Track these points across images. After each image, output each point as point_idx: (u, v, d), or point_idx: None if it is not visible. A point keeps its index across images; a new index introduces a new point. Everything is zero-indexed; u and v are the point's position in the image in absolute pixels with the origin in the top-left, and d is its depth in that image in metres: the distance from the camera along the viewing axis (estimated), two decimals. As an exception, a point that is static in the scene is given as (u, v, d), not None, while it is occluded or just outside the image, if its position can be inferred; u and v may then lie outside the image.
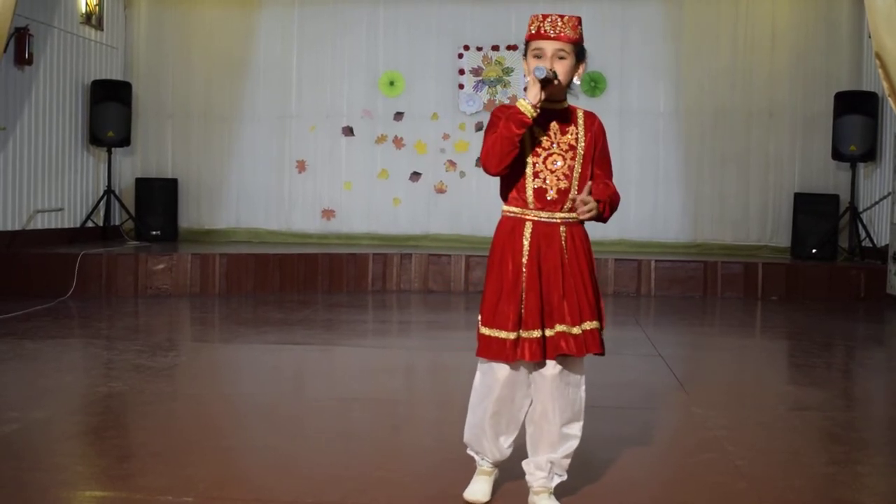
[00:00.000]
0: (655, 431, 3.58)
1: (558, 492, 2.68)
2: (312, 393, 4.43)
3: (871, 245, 8.39)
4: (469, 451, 2.78)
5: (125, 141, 9.06)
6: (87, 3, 8.94)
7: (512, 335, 2.54)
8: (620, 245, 9.19)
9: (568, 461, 2.66)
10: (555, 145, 2.59)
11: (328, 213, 9.68)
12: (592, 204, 2.54)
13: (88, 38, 9.05)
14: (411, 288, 8.19)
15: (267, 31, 9.72)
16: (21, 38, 7.78)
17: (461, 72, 9.50)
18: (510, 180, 2.61)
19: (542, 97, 2.48)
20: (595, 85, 9.33)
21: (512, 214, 2.63)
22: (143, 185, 9.37)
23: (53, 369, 4.62)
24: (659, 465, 3.20)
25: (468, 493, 2.70)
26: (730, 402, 4.12)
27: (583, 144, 2.61)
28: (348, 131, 9.69)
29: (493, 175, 2.59)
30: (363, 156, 9.65)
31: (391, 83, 9.62)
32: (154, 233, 9.10)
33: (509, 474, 2.81)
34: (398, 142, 9.60)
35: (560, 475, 2.67)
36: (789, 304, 7.68)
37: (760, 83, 9.21)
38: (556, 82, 2.50)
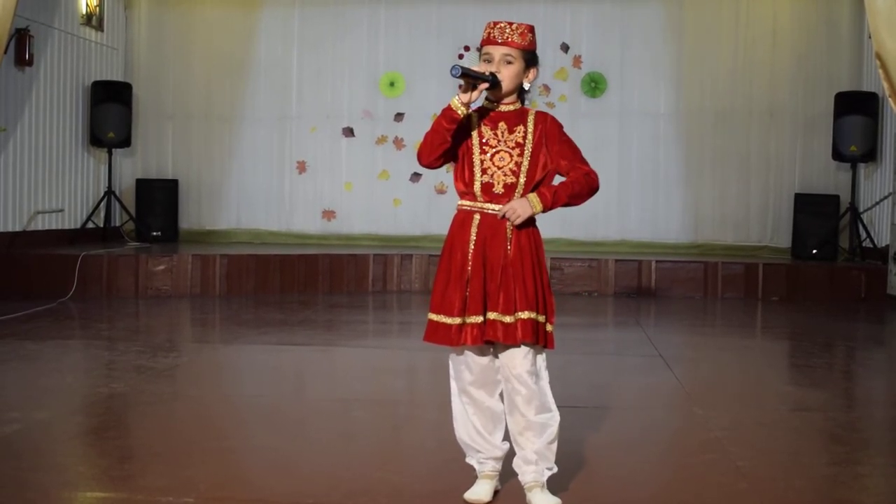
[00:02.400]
0: (656, 432, 3.58)
1: (557, 491, 2.68)
2: (313, 394, 4.43)
3: (871, 245, 8.38)
4: (468, 460, 2.79)
5: (125, 142, 9.06)
6: (87, 4, 8.94)
7: (457, 320, 2.66)
8: (621, 246, 9.18)
9: (553, 448, 2.69)
10: (501, 143, 2.72)
11: (329, 214, 9.68)
12: (511, 209, 2.63)
13: (89, 39, 9.06)
14: (412, 288, 8.19)
15: (267, 31, 9.72)
16: (21, 39, 7.78)
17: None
18: (461, 175, 2.73)
19: (475, 97, 2.62)
20: (595, 86, 9.33)
21: (464, 208, 2.74)
22: (143, 185, 9.37)
23: (54, 370, 4.62)
24: (660, 466, 3.20)
25: (469, 494, 2.72)
26: (731, 403, 4.12)
27: (531, 141, 2.71)
28: (349, 132, 9.69)
29: (424, 166, 2.76)
30: (363, 156, 9.65)
31: (392, 84, 9.62)
32: (154, 234, 9.10)
33: (510, 474, 2.81)
34: (399, 142, 9.60)
35: (550, 468, 2.69)
36: (790, 304, 7.68)
37: (761, 84, 9.21)
38: (488, 84, 2.63)
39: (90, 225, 8.87)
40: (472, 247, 2.68)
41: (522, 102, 2.78)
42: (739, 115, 9.24)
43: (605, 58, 9.26)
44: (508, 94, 2.73)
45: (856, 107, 8.47)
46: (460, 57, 9.46)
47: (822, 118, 8.95)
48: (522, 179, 2.69)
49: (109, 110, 8.87)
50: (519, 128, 2.72)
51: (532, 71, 2.74)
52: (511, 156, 2.70)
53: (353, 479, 2.92)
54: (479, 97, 2.66)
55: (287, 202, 9.70)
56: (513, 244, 2.67)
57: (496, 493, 2.75)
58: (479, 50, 2.75)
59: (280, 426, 3.64)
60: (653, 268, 8.08)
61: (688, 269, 8.12)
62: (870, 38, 7.19)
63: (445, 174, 9.53)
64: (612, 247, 9.10)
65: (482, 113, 2.76)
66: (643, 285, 8.06)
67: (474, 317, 2.64)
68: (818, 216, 8.62)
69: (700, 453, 3.28)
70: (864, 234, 8.43)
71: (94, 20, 9.08)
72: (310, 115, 9.68)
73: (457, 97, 2.63)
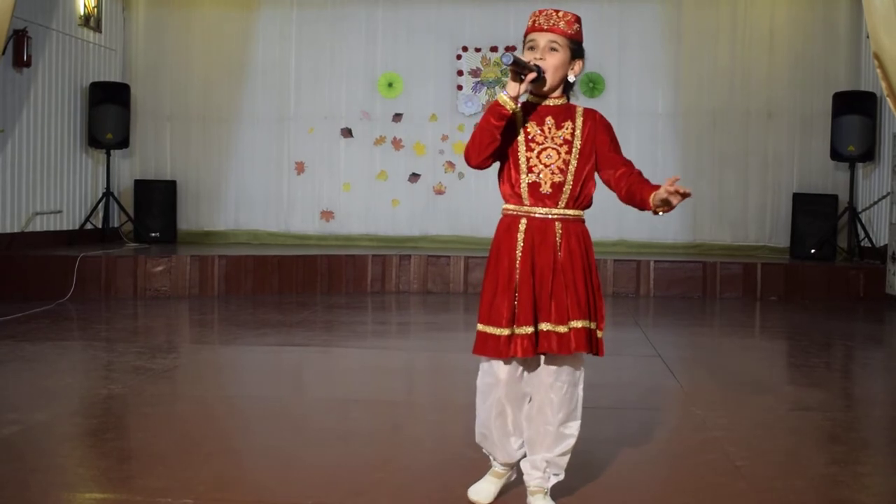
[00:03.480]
0: (655, 432, 3.58)
1: (556, 492, 2.68)
2: (312, 394, 4.43)
3: (870, 245, 8.39)
4: (484, 451, 2.77)
5: (124, 143, 9.06)
6: (85, 5, 8.94)
7: (506, 331, 2.54)
8: (619, 246, 9.19)
9: (565, 460, 2.66)
10: (549, 140, 2.60)
11: (327, 215, 9.68)
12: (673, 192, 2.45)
13: (87, 41, 9.05)
14: (410, 289, 8.19)
15: (265, 33, 9.72)
16: (19, 40, 7.78)
17: (459, 73, 9.50)
18: (507, 177, 2.62)
19: (522, 89, 2.50)
20: (593, 86, 9.34)
21: (510, 212, 2.64)
22: (141, 186, 9.37)
23: (53, 371, 4.62)
24: (658, 466, 3.20)
25: (472, 491, 2.70)
26: (729, 403, 4.12)
27: (579, 138, 2.60)
28: (347, 133, 9.69)
29: (473, 167, 2.61)
30: (362, 157, 9.65)
31: (390, 85, 9.62)
32: (153, 235, 9.10)
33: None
34: (397, 143, 9.60)
35: (557, 475, 2.67)
36: (788, 304, 7.68)
37: (759, 83, 9.22)
38: (535, 75, 2.49)
39: (88, 226, 8.87)
40: (520, 253, 2.56)
41: (568, 97, 2.66)
42: (737, 115, 9.25)
43: (603, 58, 9.27)
44: (553, 87, 2.60)
45: (854, 106, 8.48)
46: (458, 58, 9.47)
47: (820, 118, 8.97)
48: (570, 178, 2.58)
49: (107, 111, 8.88)
50: (567, 124, 2.61)
51: (578, 63, 2.60)
52: (559, 153, 2.58)
53: (352, 479, 2.92)
54: (526, 90, 2.52)
55: (285, 203, 9.70)
56: (563, 248, 2.57)
57: (503, 491, 2.73)
58: (524, 39, 2.61)
59: (279, 427, 3.63)
60: (651, 268, 8.09)
61: (686, 269, 8.13)
62: (867, 37, 7.21)
63: (443, 174, 9.54)
64: (611, 247, 9.11)
65: (527, 108, 2.63)
66: (641, 285, 8.06)
67: (525, 327, 2.53)
68: (816, 216, 8.63)
69: (699, 453, 3.28)
70: (862, 234, 8.44)
71: (91, 21, 9.08)
72: (308, 116, 9.68)
73: (503, 92, 2.50)
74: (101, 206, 9.00)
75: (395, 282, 8.23)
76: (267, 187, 9.70)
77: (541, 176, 2.58)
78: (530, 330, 2.53)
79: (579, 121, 2.62)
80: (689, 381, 4.56)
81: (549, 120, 2.61)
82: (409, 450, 3.35)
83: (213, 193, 9.73)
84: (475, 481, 2.75)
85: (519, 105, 2.55)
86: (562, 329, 2.54)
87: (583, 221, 2.64)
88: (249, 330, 6.00)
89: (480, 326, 2.59)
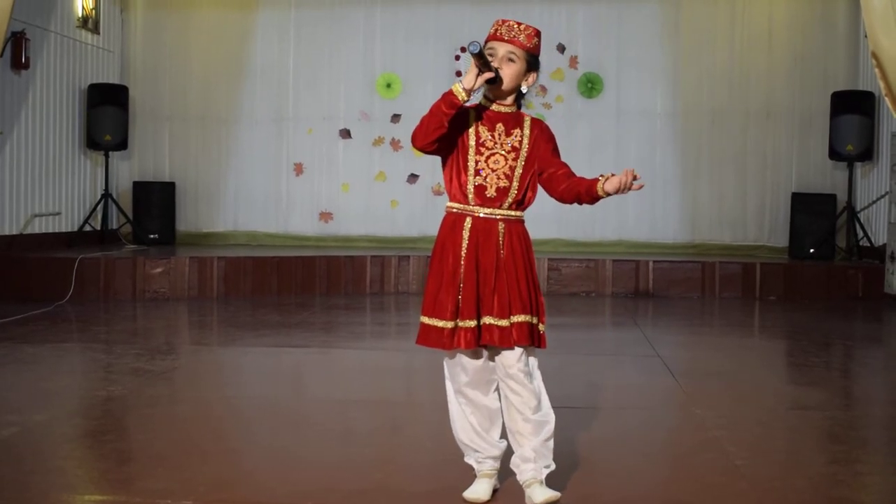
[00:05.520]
0: (654, 432, 3.58)
1: (553, 487, 2.67)
2: (311, 395, 4.43)
3: (868, 244, 8.40)
4: (466, 460, 2.80)
5: (122, 144, 9.06)
6: (83, 7, 8.93)
7: (449, 324, 2.64)
8: (618, 246, 9.19)
9: (550, 445, 2.71)
10: (498, 145, 2.70)
11: (326, 216, 9.68)
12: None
13: (85, 42, 9.05)
14: (409, 290, 8.19)
15: (264, 33, 9.72)
16: (18, 42, 7.77)
17: (458, 73, 9.49)
18: (455, 176, 2.72)
19: (477, 85, 2.58)
20: (592, 86, 9.34)
21: (454, 210, 2.73)
22: (140, 188, 9.37)
23: (52, 373, 4.62)
24: (658, 465, 3.20)
25: (468, 493, 2.72)
26: (729, 402, 4.12)
27: (526, 147, 2.70)
28: (345, 133, 9.69)
29: (418, 149, 2.73)
30: (360, 158, 9.65)
31: (388, 85, 9.62)
32: (152, 236, 9.10)
33: (509, 473, 2.81)
34: (395, 144, 9.60)
35: (548, 465, 2.70)
36: (787, 303, 7.69)
37: (757, 83, 9.23)
38: (493, 75, 2.59)
39: (87, 228, 8.86)
40: (465, 251, 2.67)
41: (519, 106, 2.76)
42: (736, 115, 9.25)
43: (601, 58, 9.27)
44: (507, 93, 2.71)
45: (852, 106, 8.49)
46: (456, 58, 9.47)
47: (818, 117, 8.98)
48: (515, 184, 2.68)
49: (106, 113, 8.87)
50: (516, 131, 2.71)
51: (532, 75, 2.72)
52: (506, 159, 2.69)
53: (351, 479, 2.92)
54: (480, 87, 2.61)
55: (284, 204, 9.70)
56: (505, 247, 2.67)
57: (495, 491, 2.76)
58: (484, 44, 2.69)
59: (279, 427, 3.63)
60: (650, 268, 8.09)
61: (685, 268, 8.13)
62: (865, 37, 7.21)
63: (442, 175, 9.53)
64: (610, 247, 9.10)
65: (479, 112, 2.73)
66: (641, 285, 8.07)
67: (468, 321, 2.63)
68: (815, 215, 8.63)
69: (698, 453, 3.28)
70: (861, 233, 8.45)
71: (90, 23, 9.08)
72: (306, 117, 9.68)
73: (459, 83, 2.60)
74: (99, 207, 9.00)
75: (394, 282, 8.24)
76: (266, 188, 9.70)
77: (487, 179, 2.69)
78: (473, 324, 2.64)
79: (527, 129, 2.72)
80: (688, 380, 4.56)
81: (500, 126, 2.71)
82: (408, 450, 3.35)
83: (211, 195, 9.73)
84: (474, 480, 2.75)
85: (471, 98, 2.63)
86: (503, 323, 2.63)
87: (523, 222, 2.74)
88: (248, 331, 6.00)
89: (424, 319, 2.69)
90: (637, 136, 9.31)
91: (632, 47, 9.37)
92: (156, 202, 9.30)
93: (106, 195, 8.98)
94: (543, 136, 2.73)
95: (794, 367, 5.21)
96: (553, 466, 2.71)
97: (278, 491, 2.80)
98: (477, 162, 2.69)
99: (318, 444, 3.40)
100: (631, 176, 2.54)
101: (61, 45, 8.63)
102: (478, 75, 2.58)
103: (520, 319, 2.63)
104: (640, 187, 2.57)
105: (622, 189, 2.55)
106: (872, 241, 8.42)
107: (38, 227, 8.30)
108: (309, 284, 8.01)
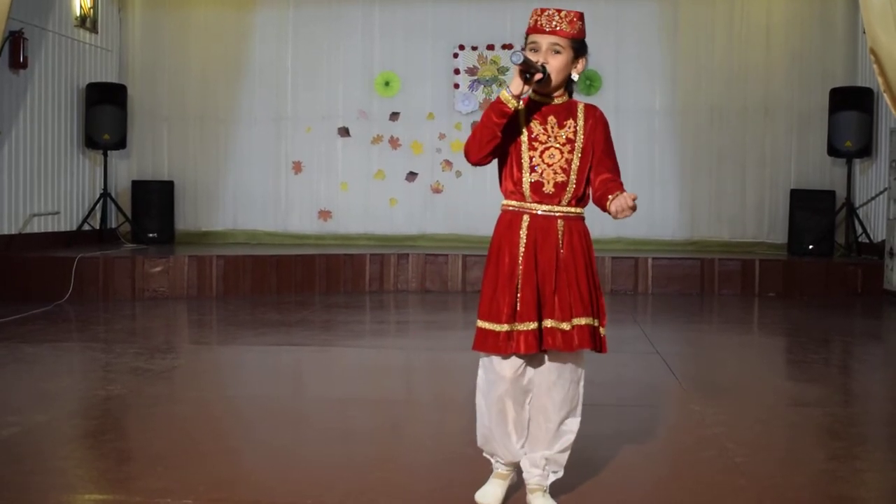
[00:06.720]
0: (654, 429, 3.58)
1: (556, 490, 2.68)
2: (311, 394, 4.43)
3: (867, 241, 8.40)
4: (485, 454, 2.74)
5: (121, 144, 9.05)
6: (81, 6, 8.92)
7: (505, 327, 2.53)
8: (617, 243, 9.19)
9: (565, 457, 2.66)
10: (552, 139, 2.59)
11: (325, 214, 9.68)
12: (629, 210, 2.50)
13: (83, 41, 9.04)
14: (408, 288, 8.19)
15: (262, 32, 9.71)
16: (16, 41, 7.77)
17: (456, 71, 9.50)
18: (509, 175, 2.61)
19: (526, 89, 2.49)
20: (590, 83, 9.34)
21: (510, 208, 2.62)
22: (139, 187, 9.37)
23: (52, 373, 4.62)
24: (658, 463, 3.20)
25: (479, 495, 2.67)
26: (728, 399, 4.12)
27: (581, 137, 2.60)
28: (344, 132, 9.69)
29: (473, 164, 2.61)
30: (359, 156, 9.65)
31: (387, 83, 9.62)
32: (151, 235, 9.10)
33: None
34: (394, 142, 9.60)
35: (556, 472, 2.66)
36: (787, 300, 7.69)
37: (756, 80, 9.22)
38: (541, 76, 2.48)
39: (86, 227, 8.86)
40: (523, 250, 2.56)
41: (570, 94, 2.65)
42: (734, 112, 9.25)
43: (599, 55, 9.25)
44: (557, 87, 2.59)
45: (851, 102, 8.49)
46: (455, 56, 9.47)
47: (817, 114, 8.98)
48: (573, 178, 2.58)
49: (104, 112, 8.87)
50: (569, 122, 2.60)
51: (581, 61, 2.60)
52: (562, 153, 2.58)
53: (351, 478, 2.92)
54: (529, 90, 2.52)
55: (283, 203, 9.70)
56: (565, 246, 2.57)
57: (508, 494, 2.71)
58: (525, 38, 2.59)
59: (279, 427, 3.63)
60: (649, 265, 8.10)
61: (684, 265, 8.13)
62: (864, 33, 7.21)
63: (441, 173, 9.55)
64: (609, 244, 9.10)
65: (530, 107, 2.61)
66: (640, 282, 8.07)
67: (528, 323, 2.51)
68: (814, 212, 8.63)
69: (698, 450, 3.28)
70: (860, 230, 8.45)
71: (88, 22, 9.07)
72: (305, 116, 9.68)
73: (506, 90, 2.49)
74: (98, 206, 8.99)
75: (394, 281, 8.24)
76: (264, 187, 9.70)
77: (544, 175, 2.58)
78: (533, 326, 2.52)
79: (581, 119, 2.62)
80: (687, 377, 4.56)
81: (552, 119, 2.60)
82: (408, 449, 3.35)
83: (210, 194, 9.72)
84: (475, 480, 2.74)
85: (521, 103, 2.54)
86: (565, 326, 2.53)
87: (583, 219, 2.64)
88: (248, 330, 6.00)
89: (480, 322, 2.58)
90: (636, 134, 9.31)
91: (630, 44, 9.37)
92: (155, 201, 9.29)
93: (105, 194, 8.97)
94: (599, 125, 2.61)
95: (794, 364, 5.21)
96: (561, 474, 2.67)
97: (278, 490, 2.80)
98: (531, 158, 2.58)
99: (317, 443, 3.40)
100: (630, 200, 2.46)
101: (59, 45, 8.62)
102: (524, 80, 2.46)
103: (582, 322, 2.54)
104: (631, 213, 2.47)
105: (619, 212, 2.47)
106: (871, 237, 8.42)
107: (37, 226, 8.30)
108: (308, 283, 8.01)
